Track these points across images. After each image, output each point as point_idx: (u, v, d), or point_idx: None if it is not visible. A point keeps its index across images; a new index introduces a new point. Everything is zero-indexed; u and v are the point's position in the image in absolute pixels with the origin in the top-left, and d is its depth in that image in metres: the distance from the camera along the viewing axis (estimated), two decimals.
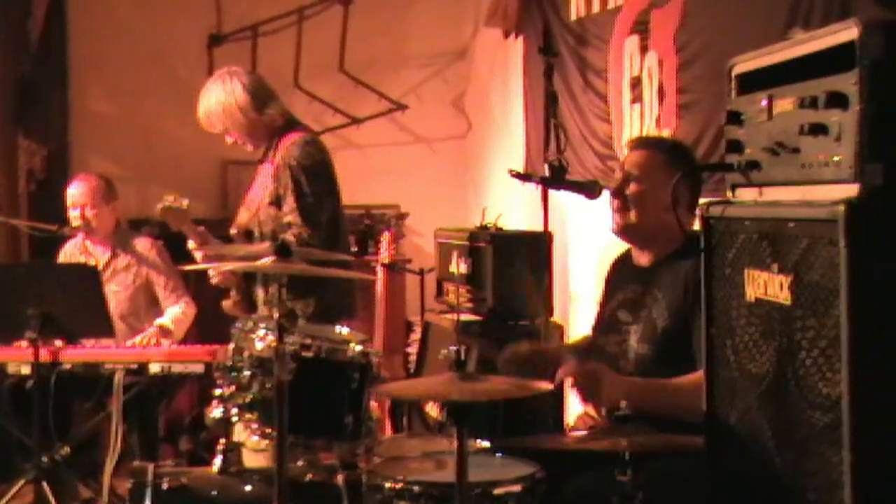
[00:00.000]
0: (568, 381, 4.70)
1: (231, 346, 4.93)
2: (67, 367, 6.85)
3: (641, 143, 5.07)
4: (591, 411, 5.66)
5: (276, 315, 4.36)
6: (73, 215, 7.69)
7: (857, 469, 2.72)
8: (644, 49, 6.45)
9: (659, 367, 4.67)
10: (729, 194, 3.50)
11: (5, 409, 6.72)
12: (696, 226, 4.21)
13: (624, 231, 4.88)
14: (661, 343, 4.70)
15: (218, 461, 4.94)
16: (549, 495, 4.42)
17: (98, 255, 7.84)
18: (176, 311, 7.75)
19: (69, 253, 7.85)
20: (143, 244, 7.91)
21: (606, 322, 5.02)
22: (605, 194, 5.34)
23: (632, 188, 4.78)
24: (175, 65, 9.61)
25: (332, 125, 9.76)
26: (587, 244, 6.93)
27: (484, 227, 6.98)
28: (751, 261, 3.26)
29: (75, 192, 7.71)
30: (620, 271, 5.05)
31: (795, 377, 3.02)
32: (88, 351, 7.15)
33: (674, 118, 6.03)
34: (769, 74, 3.25)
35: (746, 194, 3.40)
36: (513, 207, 7.90)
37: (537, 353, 5.19)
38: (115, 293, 7.71)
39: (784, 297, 3.05)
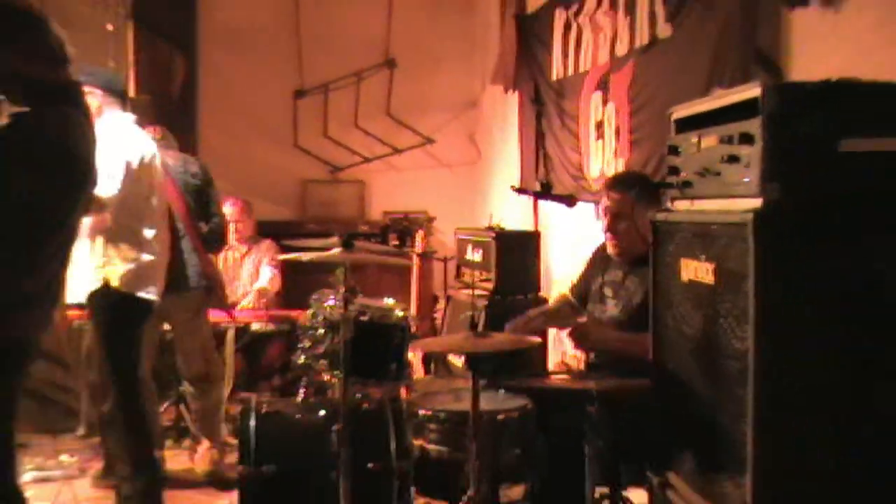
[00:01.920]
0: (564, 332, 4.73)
1: (310, 311, 4.92)
2: None
3: (619, 185, 4.91)
4: (568, 360, 5.66)
5: (342, 290, 4.35)
6: (228, 228, 7.83)
7: (757, 401, 2.74)
8: (605, 101, 6.42)
9: (629, 329, 4.67)
10: (669, 205, 3.49)
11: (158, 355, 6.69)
12: None
13: (621, 255, 4.85)
14: (634, 312, 4.70)
15: (301, 393, 4.94)
16: (537, 421, 4.40)
17: (240, 249, 8.19)
18: (268, 274, 8.06)
19: None
20: (265, 244, 8.24)
21: (595, 295, 5.00)
22: (579, 204, 5.36)
23: (621, 227, 4.78)
24: (270, 112, 9.62)
25: (380, 154, 9.80)
26: (563, 240, 6.90)
27: (491, 228, 6.95)
28: (685, 252, 3.24)
29: (230, 212, 7.91)
30: (603, 257, 5.01)
31: (716, 336, 3.01)
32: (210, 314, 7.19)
33: (627, 151, 6.00)
34: (698, 119, 3.24)
35: (682, 205, 3.38)
36: (510, 213, 7.87)
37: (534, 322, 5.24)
38: (248, 272, 8.14)
39: (709, 279, 3.04)
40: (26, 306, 3.56)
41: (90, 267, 5.25)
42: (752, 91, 2.82)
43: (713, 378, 3.05)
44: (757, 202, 2.78)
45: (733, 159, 2.90)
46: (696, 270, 3.14)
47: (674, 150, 3.38)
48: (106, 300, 5.25)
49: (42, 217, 3.50)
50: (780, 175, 2.76)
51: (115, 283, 5.23)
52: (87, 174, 3.70)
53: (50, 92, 3.54)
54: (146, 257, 5.36)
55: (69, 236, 3.74)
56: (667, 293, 3.45)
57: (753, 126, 2.79)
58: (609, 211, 4.84)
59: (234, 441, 6.68)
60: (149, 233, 5.40)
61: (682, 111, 3.41)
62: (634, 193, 4.80)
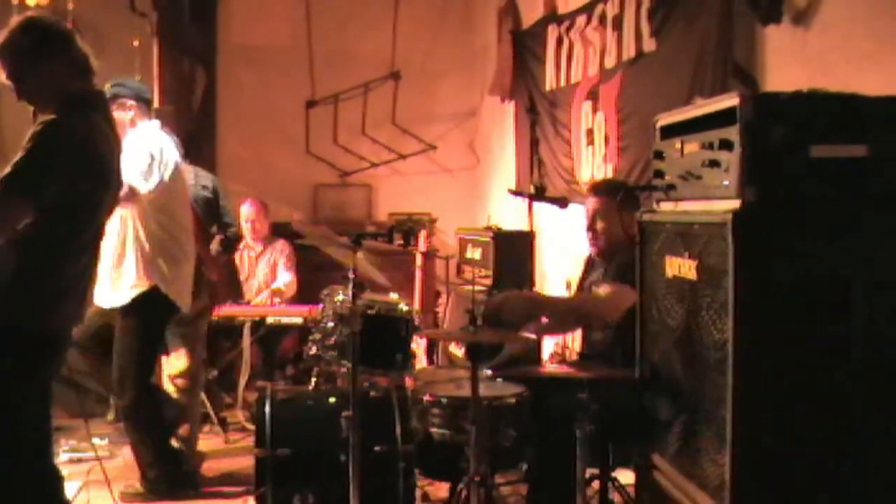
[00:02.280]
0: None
1: (321, 306, 4.94)
2: (215, 318, 6.89)
3: (598, 189, 4.96)
4: (561, 351, 5.67)
5: (350, 286, 4.36)
6: (246, 227, 7.97)
7: (736, 387, 2.76)
8: (595, 110, 6.43)
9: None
10: (655, 206, 3.50)
11: None
12: None
13: (599, 254, 4.89)
14: None
15: (313, 382, 4.95)
16: (532, 407, 4.41)
17: (256, 248, 8.12)
18: (286, 279, 7.94)
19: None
20: (280, 243, 8.17)
21: (586, 290, 5.03)
22: (571, 206, 5.37)
23: (598, 226, 4.81)
24: (284, 121, 9.63)
25: (386, 159, 9.80)
26: (556, 239, 6.90)
27: (489, 228, 6.96)
28: (669, 250, 3.25)
29: (248, 212, 8.03)
30: (591, 260, 5.05)
31: (698, 328, 3.02)
32: (228, 308, 7.20)
33: (616, 156, 6.01)
34: (681, 126, 3.24)
35: (667, 206, 3.38)
36: (507, 214, 7.88)
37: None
38: (263, 272, 8.07)
39: (691, 275, 3.04)
40: (58, 301, 3.59)
41: (132, 271, 5.23)
42: (731, 101, 2.83)
43: (695, 366, 3.06)
44: (736, 204, 2.78)
45: (714, 164, 2.91)
46: (680, 267, 3.14)
47: (659, 156, 3.39)
48: (152, 304, 5.23)
49: (70, 217, 3.54)
50: (757, 178, 2.78)
51: (163, 288, 5.24)
52: (111, 176, 3.75)
53: (76, 100, 3.60)
54: (187, 266, 5.43)
55: (96, 235, 3.78)
56: (652, 288, 3.45)
57: (732, 133, 2.80)
58: (588, 212, 4.89)
59: (251, 426, 6.75)
60: (188, 242, 5.44)
61: (666, 119, 3.41)
62: (611, 198, 4.83)
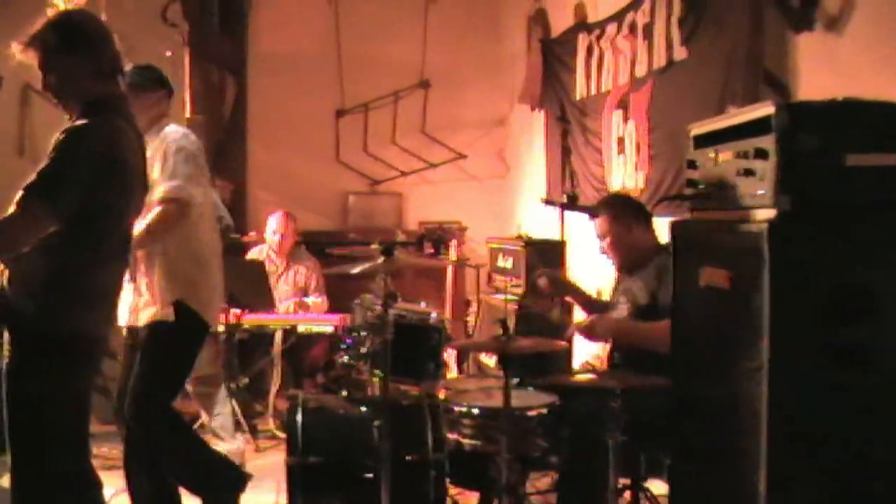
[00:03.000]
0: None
1: (353, 315, 4.94)
2: (246, 327, 6.91)
3: (600, 208, 5.13)
4: (592, 360, 5.66)
5: (382, 295, 4.36)
6: (273, 239, 7.92)
7: (770, 398, 2.77)
8: (626, 119, 6.42)
9: None
10: (688, 215, 3.49)
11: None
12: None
13: (619, 267, 5.02)
14: (639, 313, 4.75)
15: (344, 391, 4.96)
16: (563, 416, 4.40)
17: (278, 265, 8.02)
18: (315, 300, 7.87)
19: (255, 252, 8.01)
20: (307, 265, 8.09)
21: (614, 304, 5.05)
22: None
23: (606, 243, 4.94)
24: (314, 130, 9.65)
25: (416, 168, 9.79)
26: (587, 248, 6.88)
27: (520, 237, 6.96)
28: (703, 259, 3.23)
29: (276, 225, 7.95)
30: (620, 276, 5.08)
31: (732, 337, 3.00)
32: (259, 317, 7.21)
33: (646, 164, 6.00)
34: (715, 135, 3.23)
35: (700, 215, 3.38)
36: (536, 223, 7.88)
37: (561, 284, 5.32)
38: (284, 290, 7.93)
39: (725, 284, 3.03)
40: (91, 306, 3.60)
41: (166, 286, 4.71)
42: (766, 109, 2.83)
43: (729, 376, 3.04)
44: (770, 213, 2.78)
45: (748, 173, 2.90)
46: (713, 276, 3.13)
47: (692, 165, 3.38)
48: (185, 323, 4.68)
49: (96, 223, 3.54)
50: (792, 187, 2.78)
51: (194, 305, 4.68)
52: (137, 181, 3.74)
53: (101, 104, 3.60)
54: (218, 282, 4.95)
55: (125, 239, 3.79)
56: (686, 297, 3.43)
57: (767, 142, 2.80)
58: (596, 231, 5.02)
59: (282, 434, 6.76)
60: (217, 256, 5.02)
61: (699, 128, 3.40)
62: (614, 214, 4.96)
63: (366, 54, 9.56)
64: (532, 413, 4.33)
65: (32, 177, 3.39)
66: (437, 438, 4.53)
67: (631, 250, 4.91)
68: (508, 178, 9.79)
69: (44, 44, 3.59)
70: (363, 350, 4.73)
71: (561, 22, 7.91)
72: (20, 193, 3.36)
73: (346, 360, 4.86)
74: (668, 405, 3.60)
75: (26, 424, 3.53)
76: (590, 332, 4.71)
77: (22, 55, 3.62)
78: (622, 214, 4.93)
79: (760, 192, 2.85)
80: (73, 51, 3.59)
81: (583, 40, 7.30)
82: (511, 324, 4.15)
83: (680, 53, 5.55)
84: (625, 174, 6.44)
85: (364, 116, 9.69)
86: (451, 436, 4.49)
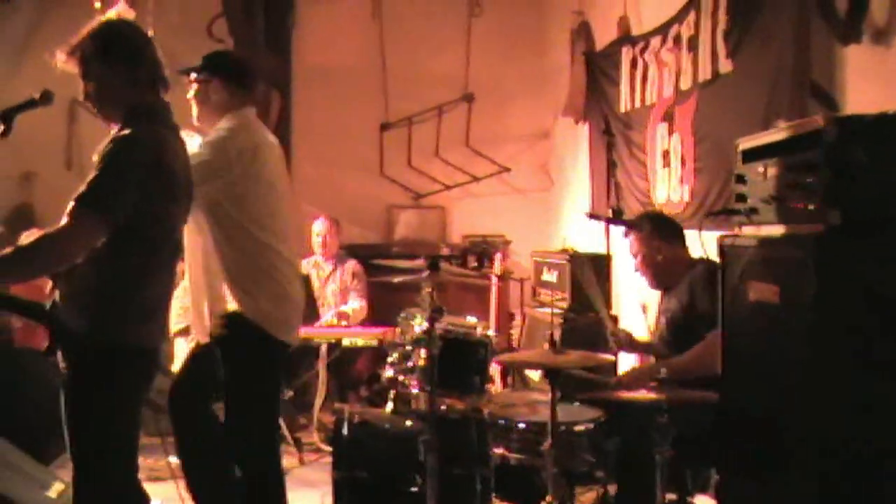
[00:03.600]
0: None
1: (398, 329, 4.95)
2: None
3: (628, 228, 5.26)
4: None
5: (428, 309, 4.36)
6: (317, 241, 8.05)
7: (819, 413, 2.78)
8: (671, 132, 6.39)
9: (671, 343, 4.87)
10: (737, 230, 3.47)
11: None
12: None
13: (654, 286, 5.14)
14: (673, 326, 4.87)
15: (390, 404, 4.96)
16: (609, 431, 4.40)
17: (325, 268, 8.12)
18: (355, 305, 7.89)
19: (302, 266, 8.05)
20: (350, 264, 8.17)
21: (657, 321, 5.08)
22: None
23: (637, 263, 5.08)
24: (358, 144, 9.71)
25: (460, 181, 9.81)
26: (631, 262, 6.87)
27: (565, 250, 6.95)
28: (752, 274, 3.23)
29: (320, 227, 8.08)
30: (662, 296, 5.11)
31: (781, 352, 3.00)
32: (303, 330, 7.20)
33: (692, 178, 5.97)
34: (763, 150, 3.22)
35: (749, 230, 3.36)
36: (581, 236, 7.87)
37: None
38: (332, 290, 8.05)
39: (774, 299, 3.02)
40: (142, 317, 3.59)
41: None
42: (815, 123, 2.82)
43: (779, 391, 3.03)
44: (820, 227, 2.76)
45: (798, 187, 2.89)
46: (763, 291, 3.12)
47: (741, 179, 3.37)
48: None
49: (146, 233, 3.53)
50: (842, 201, 2.76)
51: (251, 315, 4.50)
52: (182, 188, 3.72)
53: (143, 113, 3.60)
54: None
55: (175, 248, 3.80)
56: (734, 312, 3.43)
57: (816, 156, 2.78)
58: (630, 252, 5.13)
59: (326, 448, 6.79)
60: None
61: (747, 142, 3.39)
62: (644, 233, 5.06)
63: (410, 68, 9.62)
64: (579, 428, 4.33)
65: (82, 187, 3.39)
66: (483, 453, 4.53)
67: (662, 269, 4.95)
68: (552, 192, 9.78)
69: (83, 53, 3.60)
70: (409, 364, 4.73)
71: (605, 35, 7.90)
72: (70, 204, 3.36)
73: (392, 375, 4.86)
74: (716, 420, 3.59)
75: (83, 439, 3.53)
76: (629, 388, 4.68)
77: (64, 65, 3.63)
78: (652, 233, 5.00)
79: (810, 206, 2.83)
80: (111, 60, 3.60)
81: (627, 53, 7.29)
82: (557, 337, 4.12)
83: (725, 66, 5.53)
84: (669, 187, 6.42)
85: (408, 130, 9.74)
86: (497, 450, 4.49)
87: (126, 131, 3.52)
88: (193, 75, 4.65)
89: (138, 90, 3.63)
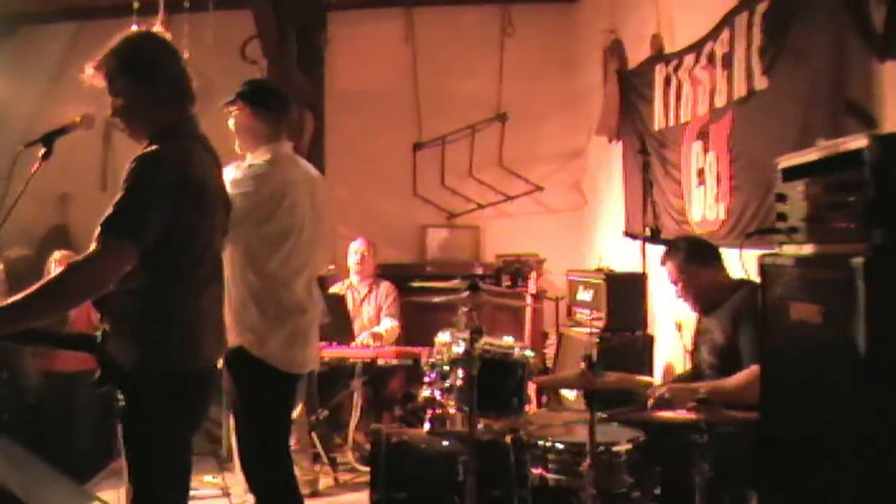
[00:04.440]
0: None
1: (435, 349, 4.94)
2: (326, 359, 6.94)
3: (665, 256, 5.23)
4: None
5: (467, 330, 4.36)
6: (354, 261, 8.06)
7: (865, 435, 2.74)
8: (706, 150, 6.36)
9: (717, 367, 4.80)
10: (777, 249, 3.45)
11: None
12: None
13: (695, 310, 5.12)
14: (718, 351, 4.80)
15: (427, 425, 4.95)
16: (648, 451, 4.37)
17: (361, 290, 8.12)
18: (388, 325, 7.89)
19: (336, 287, 8.08)
20: (385, 286, 8.17)
21: (696, 345, 5.07)
22: None
23: (678, 290, 5.08)
24: (391, 164, 9.77)
25: (493, 201, 9.83)
26: (667, 281, 6.85)
27: (600, 269, 6.94)
28: (793, 294, 3.19)
29: (358, 247, 8.11)
30: (700, 317, 5.11)
31: (825, 374, 2.97)
32: (339, 350, 7.24)
33: (728, 196, 5.93)
34: (804, 168, 3.20)
35: (790, 249, 3.34)
36: (615, 255, 7.85)
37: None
38: (368, 312, 8.06)
39: (817, 320, 2.99)
40: (190, 339, 3.49)
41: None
42: (858, 142, 2.80)
43: (822, 414, 3.00)
44: (863, 247, 2.74)
45: (840, 206, 2.87)
46: (805, 311, 3.09)
47: (781, 198, 3.34)
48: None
49: (184, 248, 3.45)
50: (886, 221, 2.73)
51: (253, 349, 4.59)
52: (217, 200, 3.67)
53: (169, 129, 3.53)
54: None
55: (216, 263, 3.71)
56: (775, 332, 3.39)
57: (860, 175, 2.76)
58: (669, 280, 5.12)
59: (362, 468, 6.80)
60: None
61: (788, 161, 3.36)
62: (680, 260, 5.05)
63: (442, 88, 9.66)
64: (618, 448, 4.30)
65: (108, 210, 3.29)
66: (522, 473, 4.52)
67: (703, 293, 4.95)
68: (586, 210, 9.77)
69: (108, 69, 3.55)
70: (447, 384, 4.72)
71: (637, 53, 7.89)
72: (97, 229, 3.26)
73: (429, 395, 4.85)
74: (754, 441, 3.56)
75: (140, 467, 3.45)
76: (668, 405, 4.66)
77: (92, 80, 3.59)
78: (688, 259, 4.99)
79: (853, 225, 2.81)
80: (134, 76, 3.54)
81: (660, 71, 7.27)
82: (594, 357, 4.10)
83: (760, 83, 5.50)
84: (705, 206, 6.39)
85: (441, 150, 9.77)
86: (536, 471, 4.47)
87: (150, 148, 3.44)
88: (230, 105, 4.73)
89: (163, 105, 3.56)
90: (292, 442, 5.50)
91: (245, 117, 4.68)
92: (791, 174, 3.31)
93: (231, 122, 4.75)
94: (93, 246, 3.24)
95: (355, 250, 8.04)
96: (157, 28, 6.69)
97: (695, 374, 5.07)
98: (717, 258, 5.03)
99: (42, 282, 3.24)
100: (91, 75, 3.58)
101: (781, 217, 3.34)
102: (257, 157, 4.62)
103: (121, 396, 3.42)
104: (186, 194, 3.40)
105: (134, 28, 6.23)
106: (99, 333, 3.45)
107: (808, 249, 3.19)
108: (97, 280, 3.29)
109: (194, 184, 3.45)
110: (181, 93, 3.63)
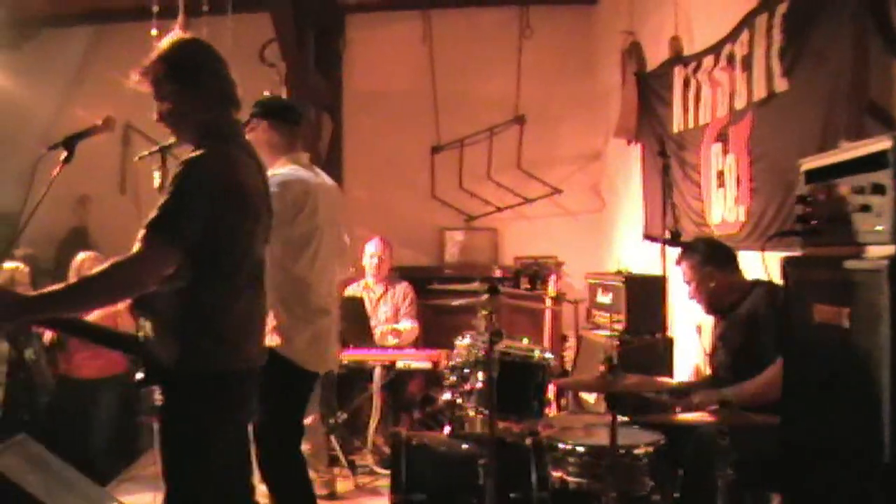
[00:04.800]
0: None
1: (455, 352, 4.94)
2: (345, 362, 6.94)
3: (680, 256, 5.23)
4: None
5: (487, 332, 4.36)
6: (371, 263, 8.02)
7: (890, 435, 2.71)
8: (725, 152, 6.34)
9: (734, 368, 4.79)
10: (800, 251, 3.43)
11: None
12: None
13: (709, 312, 5.11)
14: (736, 353, 4.80)
15: (447, 428, 4.95)
16: (670, 454, 4.36)
17: (376, 290, 8.09)
18: (407, 325, 7.89)
19: (352, 288, 8.04)
20: (402, 286, 8.15)
21: (714, 346, 5.07)
22: None
23: (691, 290, 5.06)
24: (409, 166, 9.79)
25: (512, 203, 9.84)
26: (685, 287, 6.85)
27: (619, 272, 6.93)
28: (817, 296, 3.18)
29: (374, 248, 8.07)
30: (717, 320, 5.09)
31: (849, 377, 2.95)
32: (357, 352, 7.24)
33: (747, 198, 5.91)
34: (827, 170, 3.18)
35: (813, 251, 3.32)
36: (634, 258, 7.83)
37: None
38: (384, 312, 8.01)
39: (842, 322, 2.98)
40: (233, 340, 3.50)
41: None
42: (882, 143, 2.78)
43: (846, 416, 2.98)
44: (890, 249, 2.73)
45: (865, 208, 2.85)
46: (829, 314, 3.07)
47: (803, 200, 3.33)
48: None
49: (225, 253, 3.45)
50: None
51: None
52: (261, 204, 3.67)
53: (214, 133, 3.54)
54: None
55: (259, 266, 3.69)
56: (799, 334, 3.38)
57: (884, 177, 2.75)
58: (683, 280, 5.10)
59: (381, 470, 6.79)
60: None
61: (810, 163, 3.35)
62: (696, 260, 5.04)
63: (461, 91, 9.67)
64: (639, 451, 4.29)
65: (154, 212, 3.31)
66: (542, 476, 4.51)
67: (716, 295, 4.93)
68: (604, 213, 9.76)
69: (153, 74, 3.56)
70: (467, 387, 4.72)
71: (656, 55, 7.87)
72: (142, 231, 3.27)
73: (449, 398, 4.85)
74: (777, 444, 3.54)
75: (178, 466, 3.44)
76: (690, 410, 4.66)
77: (137, 86, 3.59)
78: (704, 260, 4.99)
79: (878, 227, 2.80)
80: (181, 80, 3.55)
81: (679, 73, 7.25)
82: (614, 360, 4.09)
83: (780, 85, 5.47)
84: (725, 208, 6.36)
85: (459, 152, 9.78)
86: (556, 474, 4.47)
87: (196, 153, 3.44)
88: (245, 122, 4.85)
89: (208, 109, 3.57)
90: (307, 447, 5.58)
91: (262, 132, 4.85)
92: (814, 176, 3.30)
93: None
94: (136, 246, 3.27)
95: (371, 253, 8.02)
96: (177, 31, 6.72)
97: (713, 378, 5.07)
98: (733, 261, 5.02)
99: (85, 276, 3.34)
100: (137, 81, 3.59)
101: (804, 219, 3.33)
102: (278, 167, 4.77)
103: (159, 395, 3.43)
104: (230, 198, 3.43)
105: (154, 32, 6.31)
106: (141, 334, 3.48)
107: (830, 251, 3.17)
108: (138, 280, 3.32)
109: (237, 187, 3.48)
110: (226, 97, 3.65)
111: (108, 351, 7.22)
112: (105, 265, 3.29)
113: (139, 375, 3.44)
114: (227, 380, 3.47)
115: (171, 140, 3.89)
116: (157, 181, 4.45)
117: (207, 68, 3.61)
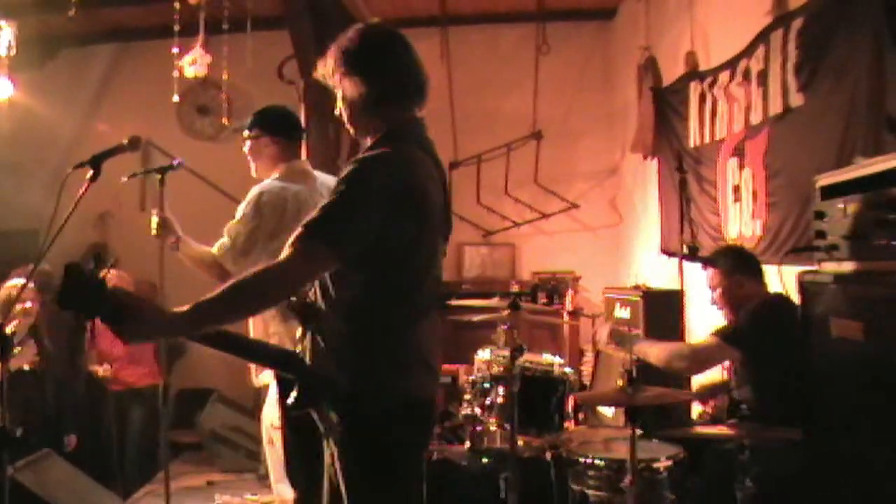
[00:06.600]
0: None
1: (475, 366, 4.97)
2: None
3: (709, 262, 5.28)
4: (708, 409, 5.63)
5: (508, 348, 4.38)
6: None
7: None
8: (742, 166, 6.35)
9: (740, 375, 4.85)
10: (817, 266, 3.46)
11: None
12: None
13: (728, 320, 5.03)
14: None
15: (467, 442, 4.97)
16: (690, 468, 4.37)
17: None
18: None
19: None
20: None
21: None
22: None
23: (715, 296, 5.09)
24: None
25: (529, 218, 9.87)
26: (704, 298, 6.85)
27: (637, 287, 6.94)
28: (834, 311, 3.20)
29: None
30: None
31: (868, 390, 2.97)
32: None
33: (764, 213, 5.92)
34: (844, 186, 3.21)
35: (829, 266, 3.35)
36: (651, 272, 7.84)
37: None
38: None
39: (859, 336, 3.00)
40: (410, 366, 3.13)
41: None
42: None
43: (865, 430, 3.00)
44: None
45: (882, 224, 2.88)
46: (846, 328, 3.10)
47: (820, 216, 3.36)
48: None
49: (405, 264, 3.11)
50: None
51: None
52: (438, 214, 3.29)
53: (396, 131, 3.22)
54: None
55: (436, 283, 3.33)
56: (816, 349, 3.40)
57: None
58: (709, 285, 5.14)
59: None
60: None
61: (827, 179, 3.38)
62: (727, 268, 5.06)
63: (478, 107, 9.71)
64: (659, 465, 4.31)
65: (314, 213, 2.99)
66: (563, 490, 4.54)
67: (742, 302, 4.92)
68: (622, 228, 9.78)
69: (334, 66, 3.28)
70: (487, 401, 4.75)
71: (672, 70, 7.90)
72: (297, 231, 2.96)
73: (469, 412, 4.87)
74: (797, 458, 3.56)
75: (356, 495, 3.09)
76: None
77: (322, 79, 3.35)
78: (734, 268, 4.99)
79: (894, 242, 2.82)
80: (358, 74, 3.23)
81: (695, 88, 7.28)
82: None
83: (796, 100, 5.49)
84: (741, 222, 6.38)
85: (477, 168, 9.80)
86: (576, 487, 4.48)
87: (370, 152, 3.12)
88: (246, 132, 4.99)
89: (388, 107, 3.25)
90: None
91: (264, 146, 4.95)
92: (830, 192, 3.33)
93: (246, 149, 5.01)
94: (288, 250, 2.93)
95: None
96: (198, 51, 6.79)
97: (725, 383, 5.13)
98: (760, 271, 5.04)
99: (230, 282, 2.89)
100: (321, 76, 3.34)
101: (820, 234, 3.36)
102: (266, 178, 4.89)
103: (334, 421, 3.07)
104: (407, 204, 3.05)
105: (175, 51, 6.35)
106: (300, 350, 3.18)
107: (849, 266, 3.20)
108: (286, 283, 2.97)
109: (416, 189, 3.10)
110: (411, 91, 3.31)
111: (151, 360, 7.31)
112: (253, 270, 2.92)
113: (292, 396, 2.99)
114: (403, 410, 3.09)
115: (172, 162, 3.82)
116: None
117: (382, 60, 3.29)
